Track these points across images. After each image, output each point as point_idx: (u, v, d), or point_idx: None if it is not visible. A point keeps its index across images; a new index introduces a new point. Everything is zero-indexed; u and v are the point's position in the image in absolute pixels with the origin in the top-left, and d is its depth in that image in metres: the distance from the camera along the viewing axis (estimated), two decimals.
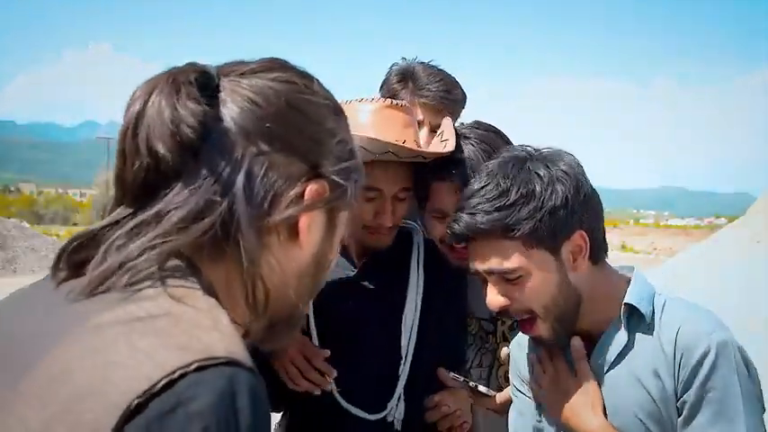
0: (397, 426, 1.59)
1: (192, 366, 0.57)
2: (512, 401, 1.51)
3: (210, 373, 0.57)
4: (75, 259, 0.71)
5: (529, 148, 1.30)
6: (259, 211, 0.72)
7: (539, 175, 1.21)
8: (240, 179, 0.71)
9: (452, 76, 2.06)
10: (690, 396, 1.17)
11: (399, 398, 1.58)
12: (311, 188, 0.76)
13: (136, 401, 0.55)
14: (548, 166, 1.22)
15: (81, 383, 0.57)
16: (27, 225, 24.32)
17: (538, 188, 1.19)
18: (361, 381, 1.57)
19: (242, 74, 0.76)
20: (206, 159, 0.70)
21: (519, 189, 1.20)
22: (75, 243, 0.72)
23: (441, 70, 2.05)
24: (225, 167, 0.71)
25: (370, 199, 1.52)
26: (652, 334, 1.23)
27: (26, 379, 0.60)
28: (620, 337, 1.25)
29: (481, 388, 1.55)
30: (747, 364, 1.19)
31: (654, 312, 1.25)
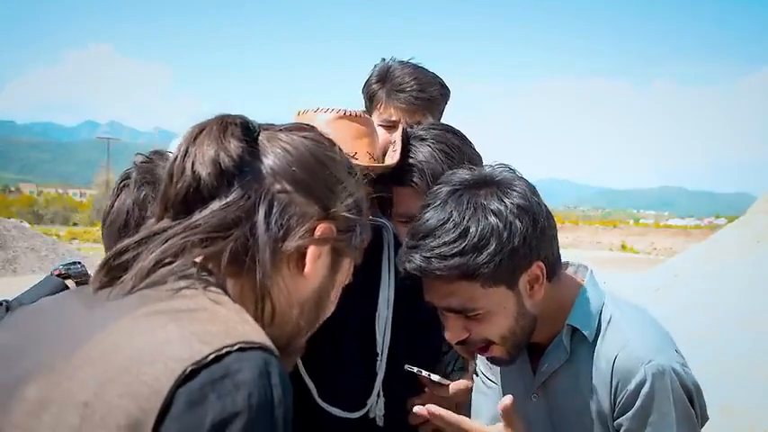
0: (380, 422, 1.60)
1: (236, 347, 0.69)
2: (468, 391, 1.56)
3: (250, 354, 0.70)
4: (114, 265, 0.83)
5: (475, 174, 1.27)
6: (275, 236, 0.85)
7: (495, 213, 1.17)
8: (263, 207, 0.85)
9: (431, 73, 2.03)
10: (626, 420, 1.21)
11: (379, 394, 1.60)
12: (321, 226, 0.89)
13: (190, 368, 0.66)
14: (502, 200, 1.18)
15: (137, 353, 0.68)
16: (27, 225, 24.33)
17: (496, 229, 1.16)
18: (340, 380, 1.59)
19: (279, 130, 0.93)
20: (239, 187, 0.85)
21: (477, 231, 1.16)
22: (118, 252, 0.84)
23: (418, 68, 2.03)
24: (253, 196, 0.85)
25: None
26: (593, 354, 1.26)
27: (77, 353, 0.70)
28: (563, 353, 1.30)
29: (434, 377, 1.57)
30: (687, 387, 1.20)
31: (599, 329, 1.27)
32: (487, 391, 1.50)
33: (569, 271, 1.38)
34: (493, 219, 1.17)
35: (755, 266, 13.89)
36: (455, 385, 1.60)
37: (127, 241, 0.85)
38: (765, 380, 7.35)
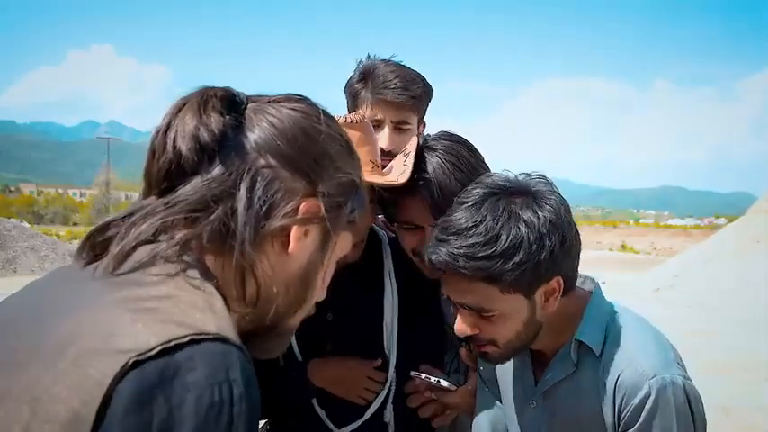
0: (391, 430, 1.62)
1: (186, 339, 0.65)
2: (475, 395, 1.57)
3: (204, 348, 0.65)
4: (98, 241, 0.81)
5: (519, 180, 1.28)
6: (257, 213, 0.81)
7: (527, 224, 1.18)
8: (245, 183, 0.81)
9: (414, 71, 2.00)
10: None
11: (388, 399, 1.62)
12: (305, 204, 0.85)
13: (133, 359, 0.63)
14: (536, 212, 1.20)
15: (90, 344, 0.65)
16: (27, 225, 24.34)
17: (526, 240, 1.17)
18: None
19: (267, 102, 0.88)
20: (220, 162, 0.81)
21: (508, 239, 1.17)
22: (101, 227, 0.82)
23: (400, 66, 1.99)
24: (234, 171, 0.81)
25: None
26: (598, 368, 1.28)
27: (45, 340, 0.69)
28: (569, 365, 1.31)
29: (443, 382, 1.55)
30: (689, 401, 1.21)
31: (604, 343, 1.29)
32: (489, 398, 1.51)
33: (577, 282, 1.38)
34: (524, 229, 1.18)
35: (755, 266, 13.91)
36: (462, 391, 1.60)
37: (111, 217, 0.82)
38: (765, 380, 7.36)
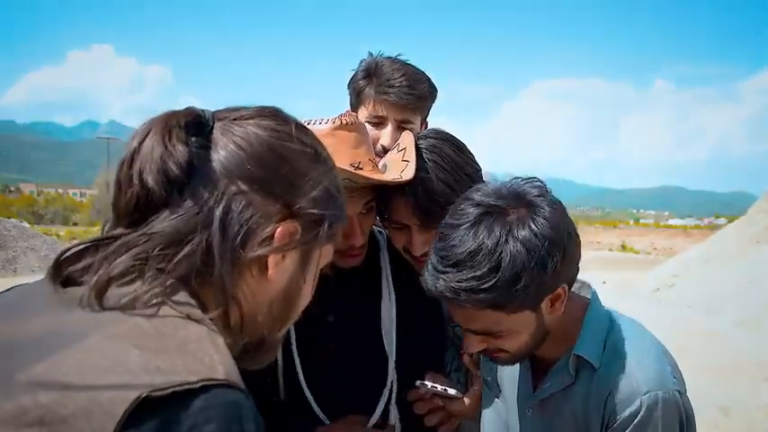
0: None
1: (198, 385, 0.65)
2: (480, 400, 1.56)
3: (216, 396, 0.66)
4: (75, 266, 0.79)
5: (511, 189, 1.23)
6: (233, 244, 0.80)
7: (527, 247, 1.14)
8: (218, 213, 0.79)
9: (420, 70, 1.99)
10: None
11: (390, 401, 1.61)
12: (282, 229, 0.83)
13: (146, 394, 0.62)
14: (533, 229, 1.15)
15: (94, 376, 0.64)
16: (27, 225, 24.32)
17: (527, 265, 1.14)
18: (348, 396, 1.59)
19: (234, 119, 0.86)
20: (190, 193, 0.79)
21: (509, 267, 1.13)
22: (75, 251, 0.81)
23: (406, 65, 1.98)
24: (206, 201, 0.80)
25: None
26: (595, 380, 1.29)
27: (34, 367, 0.66)
28: (567, 377, 1.32)
29: (450, 391, 1.54)
30: (680, 418, 1.23)
31: (603, 355, 1.29)
32: (495, 405, 1.52)
33: (573, 288, 1.38)
34: (524, 254, 1.14)
35: (755, 266, 13.90)
36: (468, 398, 1.59)
37: (80, 244, 0.81)
38: (765, 380, 7.35)
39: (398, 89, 1.91)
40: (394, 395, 1.62)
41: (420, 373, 1.59)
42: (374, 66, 1.97)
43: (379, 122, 1.93)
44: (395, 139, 1.85)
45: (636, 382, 1.23)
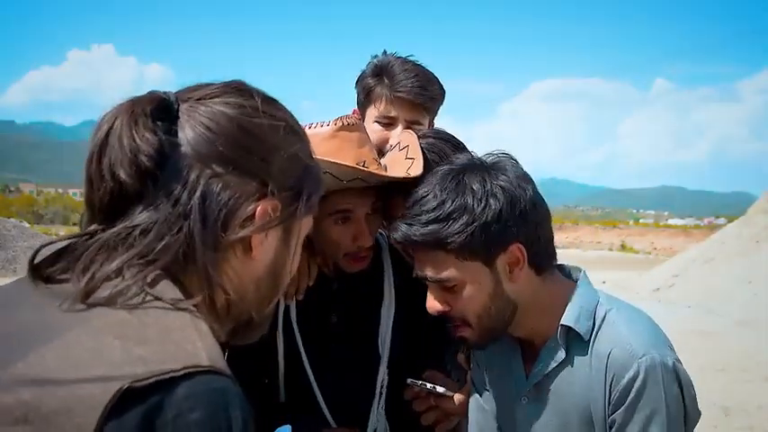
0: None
1: (180, 372, 0.64)
2: (470, 400, 1.56)
3: (200, 383, 0.65)
4: (54, 266, 0.78)
5: (473, 159, 1.33)
6: (214, 229, 0.78)
7: (473, 189, 1.23)
8: (196, 199, 0.77)
9: (430, 71, 1.98)
10: (619, 416, 1.23)
11: (380, 399, 1.62)
12: (261, 208, 0.82)
13: (127, 385, 0.62)
14: (484, 179, 1.25)
15: (75, 370, 0.64)
16: (27, 225, 24.31)
17: (470, 202, 1.22)
18: (343, 390, 1.62)
19: (198, 99, 0.83)
20: (164, 183, 0.77)
21: (453, 203, 1.23)
22: (53, 249, 0.79)
23: (417, 65, 1.97)
24: (182, 190, 0.78)
25: (346, 220, 1.51)
26: (588, 352, 1.28)
27: (17, 364, 0.66)
28: (559, 353, 1.31)
29: (439, 389, 1.55)
30: (679, 382, 1.22)
31: (593, 328, 1.29)
32: (484, 405, 1.51)
33: (563, 272, 1.39)
34: (469, 195, 1.23)
35: (755, 266, 13.91)
36: (458, 397, 1.59)
37: (61, 240, 0.80)
38: (765, 380, 7.36)
39: (411, 89, 1.90)
40: (384, 396, 1.63)
41: (416, 374, 1.59)
42: (385, 65, 1.96)
43: (389, 122, 1.93)
44: None
45: (630, 346, 1.22)
